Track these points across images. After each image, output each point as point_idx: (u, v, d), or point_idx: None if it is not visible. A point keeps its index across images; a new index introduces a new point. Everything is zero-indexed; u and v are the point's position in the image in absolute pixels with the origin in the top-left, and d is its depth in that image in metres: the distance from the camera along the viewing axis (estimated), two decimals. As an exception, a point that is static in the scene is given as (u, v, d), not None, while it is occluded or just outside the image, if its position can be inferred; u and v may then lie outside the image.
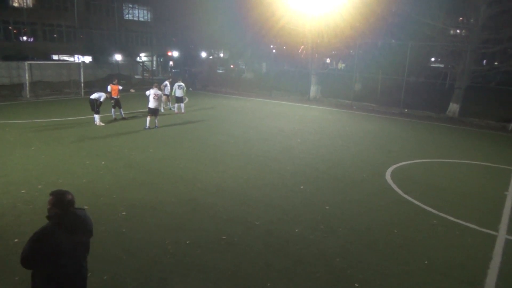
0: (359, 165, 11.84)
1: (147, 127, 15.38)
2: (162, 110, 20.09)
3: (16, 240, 6.47)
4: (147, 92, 15.55)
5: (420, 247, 6.95)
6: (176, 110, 19.81)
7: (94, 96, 15.86)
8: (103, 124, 15.98)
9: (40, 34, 38.80)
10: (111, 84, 17.52)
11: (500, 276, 6.17)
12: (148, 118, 15.52)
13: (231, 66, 47.75)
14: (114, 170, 10.27)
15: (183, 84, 19.80)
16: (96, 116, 15.93)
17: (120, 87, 17.85)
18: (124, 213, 7.70)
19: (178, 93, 19.49)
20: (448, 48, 23.60)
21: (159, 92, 15.68)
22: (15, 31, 37.56)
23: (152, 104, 15.34)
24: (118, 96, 17.37)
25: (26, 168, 10.17)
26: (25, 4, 37.18)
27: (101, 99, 15.80)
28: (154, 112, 15.48)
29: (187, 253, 6.33)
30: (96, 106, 15.74)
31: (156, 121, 15.71)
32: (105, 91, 16.64)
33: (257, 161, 11.75)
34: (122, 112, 17.61)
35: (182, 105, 19.86)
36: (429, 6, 22.15)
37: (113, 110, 17.43)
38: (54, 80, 28.57)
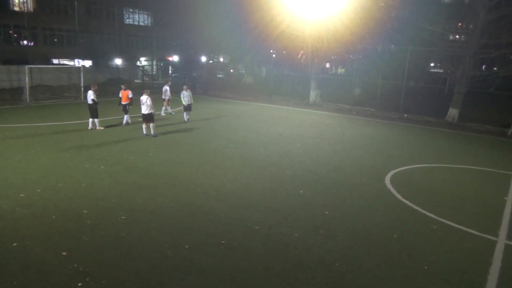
0: (359, 170, 11.84)
1: (144, 134, 14.98)
2: (163, 114, 20.13)
3: (14, 244, 6.46)
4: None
5: (419, 252, 6.94)
6: (185, 120, 18.49)
7: (89, 101, 15.81)
8: (102, 128, 15.98)
9: (40, 38, 38.90)
10: (121, 90, 17.06)
11: (500, 281, 6.16)
12: (144, 126, 15.03)
13: (231, 71, 47.86)
14: (114, 174, 10.27)
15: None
16: (96, 120, 15.91)
17: (130, 95, 16.98)
18: (123, 217, 7.69)
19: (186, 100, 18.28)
20: (447, 53, 23.68)
21: (142, 98, 14.78)
22: (15, 35, 37.67)
23: (142, 109, 14.78)
24: (127, 102, 16.87)
25: (25, 172, 10.16)
26: (25, 8, 37.31)
27: (93, 97, 15.54)
28: (146, 117, 14.84)
29: (186, 257, 6.31)
30: (95, 108, 15.66)
31: (152, 127, 14.96)
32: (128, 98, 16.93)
33: (257, 166, 11.75)
34: (126, 118, 17.05)
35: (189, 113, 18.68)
36: (428, 12, 22.26)
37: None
38: (54, 84, 28.64)
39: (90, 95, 15.67)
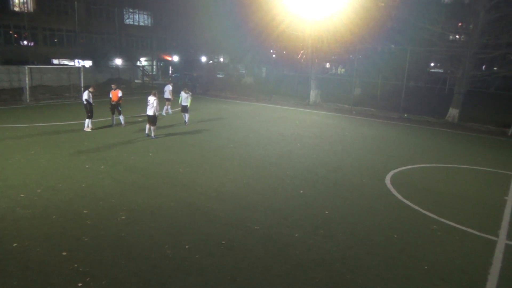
0: (359, 170, 11.84)
1: (146, 135, 14.90)
2: (164, 114, 20.12)
3: (15, 244, 6.46)
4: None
5: (419, 252, 6.94)
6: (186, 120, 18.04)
7: (83, 100, 15.67)
8: (89, 129, 15.51)
9: (40, 39, 38.89)
10: (111, 91, 16.65)
11: (500, 281, 6.16)
12: (147, 126, 14.94)
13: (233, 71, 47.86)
14: (114, 174, 10.27)
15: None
16: (86, 121, 15.61)
17: (120, 94, 16.62)
18: (123, 217, 7.69)
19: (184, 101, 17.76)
20: (447, 53, 23.67)
21: (149, 98, 14.58)
22: (15, 35, 37.65)
23: (147, 110, 14.65)
24: (117, 102, 16.58)
25: (25, 172, 10.16)
26: (26, 8, 37.30)
27: (86, 97, 15.40)
28: (149, 119, 14.73)
29: (186, 258, 6.31)
30: (88, 109, 15.44)
31: (152, 130, 14.75)
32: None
33: (257, 166, 11.75)
34: (122, 119, 16.84)
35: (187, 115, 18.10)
36: (428, 12, 22.25)
37: (113, 116, 16.87)
38: (54, 84, 28.69)
39: (84, 95, 15.56)
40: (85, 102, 15.53)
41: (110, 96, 16.76)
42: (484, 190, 10.62)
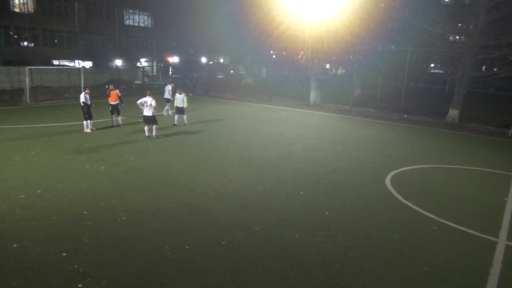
0: (359, 171, 11.84)
1: (147, 137, 14.83)
2: (164, 114, 20.10)
3: (15, 245, 6.46)
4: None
5: (420, 252, 6.94)
6: (176, 122, 17.70)
7: (80, 103, 15.66)
8: (89, 130, 15.54)
9: (40, 40, 38.92)
10: (108, 90, 16.71)
11: (501, 282, 6.15)
12: (146, 128, 14.83)
13: (231, 72, 47.93)
14: (114, 175, 10.27)
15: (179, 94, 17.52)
16: (84, 122, 15.57)
17: (119, 94, 16.67)
18: (123, 218, 7.69)
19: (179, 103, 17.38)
20: (447, 54, 23.68)
21: (146, 99, 14.45)
22: (16, 36, 37.67)
23: (144, 112, 14.55)
24: (117, 102, 16.59)
25: (25, 173, 10.16)
26: (26, 9, 37.34)
27: (83, 100, 15.32)
28: (147, 120, 14.63)
29: (186, 258, 6.31)
30: (85, 110, 15.39)
31: (154, 130, 14.76)
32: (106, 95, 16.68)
33: (257, 166, 11.75)
34: (120, 119, 16.90)
35: (185, 116, 17.73)
36: (428, 12, 22.28)
37: (112, 116, 16.87)
38: (54, 85, 28.68)
39: (81, 98, 15.50)
40: (82, 104, 15.50)
41: (107, 93, 16.70)
42: (484, 191, 10.62)
